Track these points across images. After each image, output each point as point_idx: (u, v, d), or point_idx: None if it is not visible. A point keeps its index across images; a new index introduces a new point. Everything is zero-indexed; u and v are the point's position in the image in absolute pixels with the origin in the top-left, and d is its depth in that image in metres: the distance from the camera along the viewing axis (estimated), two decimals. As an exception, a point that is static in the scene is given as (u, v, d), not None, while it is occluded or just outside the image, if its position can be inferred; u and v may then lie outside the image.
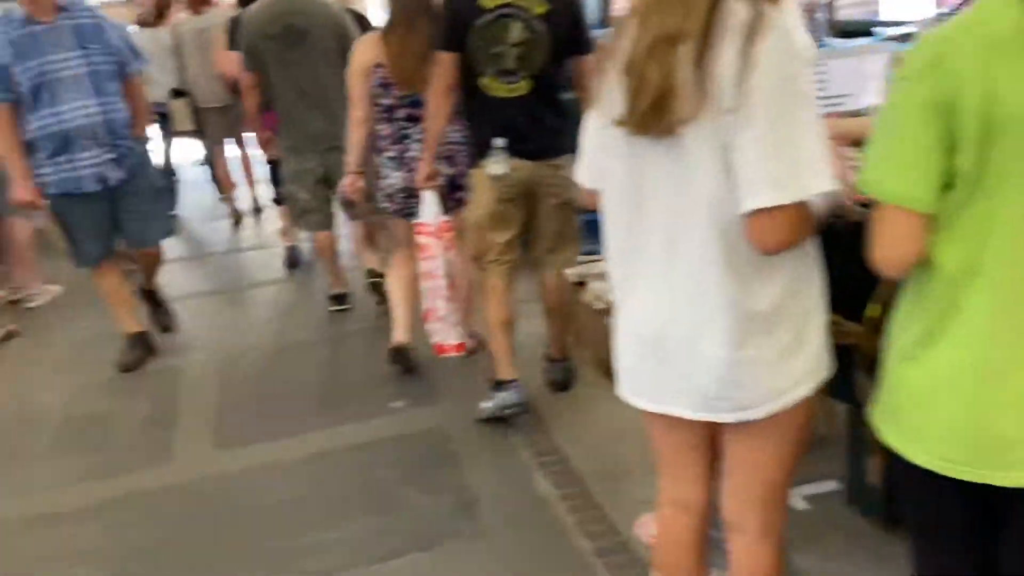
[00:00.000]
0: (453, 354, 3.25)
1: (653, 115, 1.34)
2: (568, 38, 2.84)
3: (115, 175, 3.58)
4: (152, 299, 4.29)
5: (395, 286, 3.59)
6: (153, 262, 4.10)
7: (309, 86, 3.89)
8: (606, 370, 2.21)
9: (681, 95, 1.30)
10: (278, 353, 4.05)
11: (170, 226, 4.19)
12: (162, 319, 4.32)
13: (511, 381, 3.08)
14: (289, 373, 3.81)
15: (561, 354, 3.32)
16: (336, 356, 4.01)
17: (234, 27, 4.54)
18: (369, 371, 3.64)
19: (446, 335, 3.21)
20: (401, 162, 3.28)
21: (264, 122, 4.34)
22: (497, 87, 2.83)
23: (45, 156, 3.51)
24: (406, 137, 3.25)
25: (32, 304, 4.84)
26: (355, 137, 3.33)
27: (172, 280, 4.79)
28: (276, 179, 4.82)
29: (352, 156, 3.37)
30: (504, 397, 3.06)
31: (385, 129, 3.28)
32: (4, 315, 4.62)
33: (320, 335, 4.23)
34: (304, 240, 5.19)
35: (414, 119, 3.20)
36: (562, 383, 3.31)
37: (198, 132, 5.86)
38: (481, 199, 2.95)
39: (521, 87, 2.84)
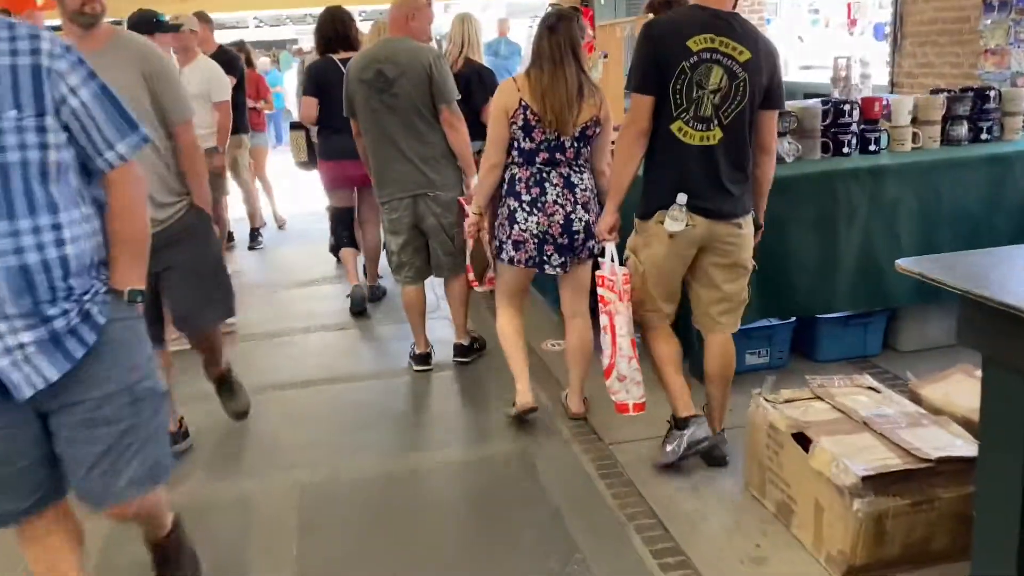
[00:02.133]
0: (635, 413, 3.08)
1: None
2: (765, 89, 2.73)
3: (48, 372, 1.79)
4: (221, 384, 3.56)
5: (510, 340, 3.49)
6: (209, 346, 3.34)
7: (397, 134, 3.81)
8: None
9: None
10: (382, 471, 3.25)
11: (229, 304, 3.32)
12: (235, 405, 3.58)
13: (693, 416, 2.97)
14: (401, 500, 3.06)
15: (719, 426, 3.10)
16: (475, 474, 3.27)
17: (309, 74, 4.92)
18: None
19: (629, 394, 3.05)
20: (537, 207, 3.21)
21: (326, 169, 4.86)
22: (690, 133, 2.71)
23: None
24: (545, 181, 3.20)
25: None
26: (488, 180, 3.28)
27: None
28: (335, 227, 5.38)
29: (479, 198, 3.35)
30: (691, 434, 2.95)
31: (521, 172, 3.22)
32: None
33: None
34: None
35: (553, 163, 3.19)
36: (720, 458, 3.06)
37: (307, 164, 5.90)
38: (652, 252, 2.85)
39: (713, 135, 2.71)
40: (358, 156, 4.18)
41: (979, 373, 2.38)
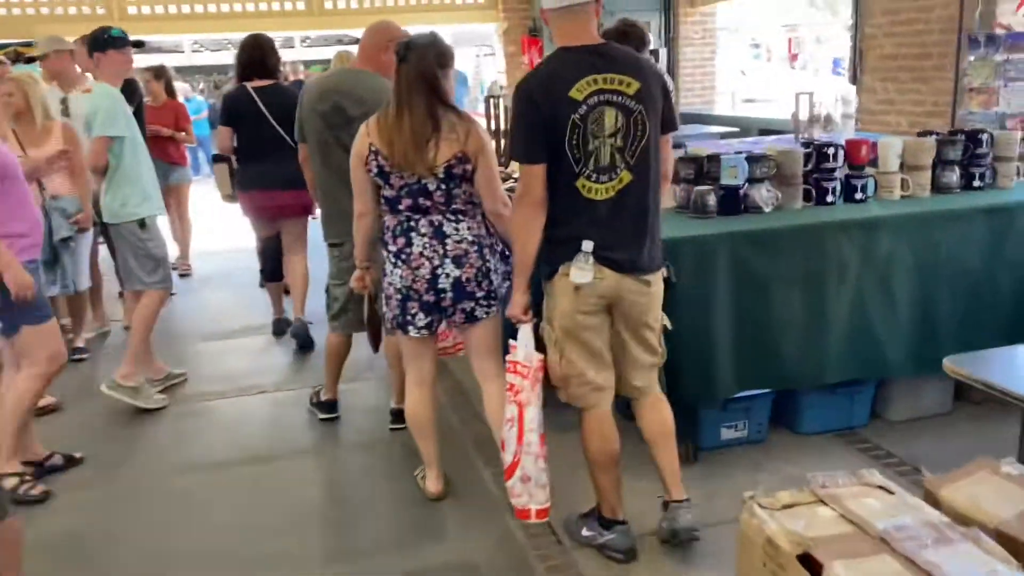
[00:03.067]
0: (537, 520, 2.71)
1: None
2: (661, 115, 2.50)
3: None
4: None
5: (416, 426, 3.08)
6: None
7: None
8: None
9: None
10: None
11: None
12: None
13: (618, 523, 2.69)
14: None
15: (680, 493, 2.69)
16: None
17: (224, 103, 4.65)
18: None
19: (532, 498, 2.67)
20: (402, 259, 2.83)
21: (245, 200, 4.58)
22: (595, 188, 2.44)
23: None
24: (412, 231, 2.81)
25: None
26: (359, 230, 2.94)
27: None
28: (262, 260, 5.23)
29: (357, 249, 3.00)
30: (614, 540, 2.68)
31: (390, 221, 2.86)
32: None
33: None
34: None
35: (420, 210, 2.79)
36: (689, 530, 2.65)
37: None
38: (563, 311, 2.53)
39: (620, 181, 2.44)
40: (278, 185, 3.80)
41: (1006, 470, 1.92)
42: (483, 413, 3.12)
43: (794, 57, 27.93)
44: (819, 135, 3.85)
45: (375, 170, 2.76)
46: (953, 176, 3.51)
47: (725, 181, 3.27)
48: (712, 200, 3.25)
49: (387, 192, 2.79)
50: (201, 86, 17.76)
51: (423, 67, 2.70)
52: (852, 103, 3.45)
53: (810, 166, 3.38)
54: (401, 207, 2.79)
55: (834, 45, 28.02)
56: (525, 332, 2.60)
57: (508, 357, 2.67)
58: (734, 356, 3.08)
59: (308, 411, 4.00)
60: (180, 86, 13.41)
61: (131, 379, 4.06)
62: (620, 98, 2.40)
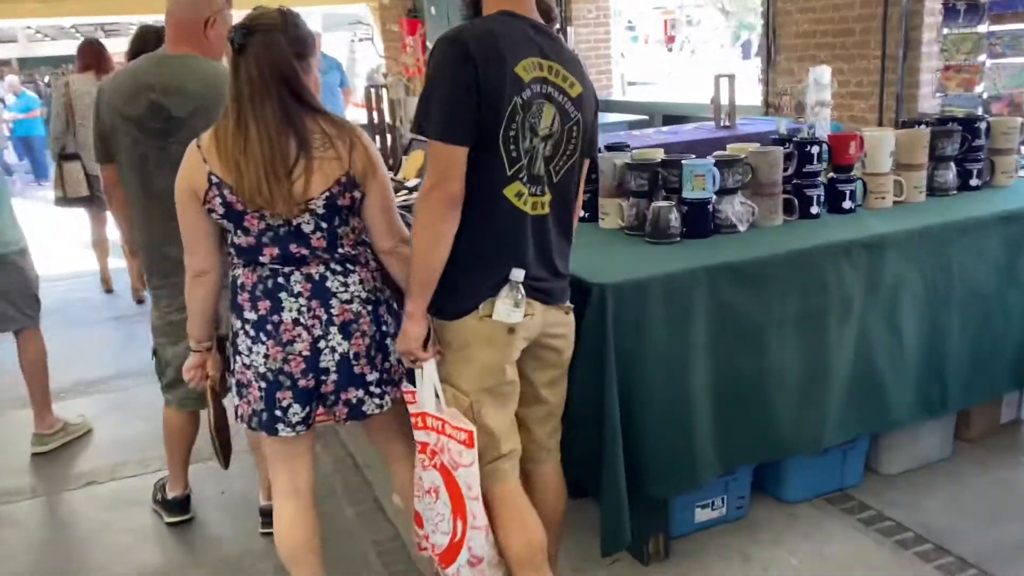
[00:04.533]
0: None
1: None
2: (591, 133, 1.96)
3: None
4: None
5: (289, 557, 2.11)
6: None
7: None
8: None
9: None
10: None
11: None
12: None
13: None
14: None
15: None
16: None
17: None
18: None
19: None
20: (265, 331, 1.91)
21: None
22: (529, 199, 1.84)
23: None
24: (281, 289, 1.90)
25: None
26: (195, 296, 1.99)
27: None
28: None
29: (193, 325, 2.04)
30: None
31: (246, 277, 1.92)
32: None
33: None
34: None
35: (291, 260, 1.89)
36: None
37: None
38: (485, 363, 1.88)
39: (545, 201, 1.88)
40: None
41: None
42: (391, 501, 2.29)
43: (671, 39, 27.87)
44: (786, 125, 3.11)
45: (221, 211, 1.84)
46: (949, 175, 2.85)
47: (690, 194, 2.49)
48: (675, 219, 2.46)
49: (240, 239, 1.88)
50: (47, 79, 15.85)
51: (273, 58, 1.79)
52: (827, 88, 2.73)
53: (790, 170, 2.64)
54: (263, 258, 1.89)
55: (707, 27, 28.14)
56: (429, 372, 1.89)
57: (411, 409, 1.95)
58: (716, 428, 2.31)
59: (152, 511, 3.00)
60: (10, 79, 11.74)
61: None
62: (562, 97, 1.84)
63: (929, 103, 5.29)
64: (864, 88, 5.56)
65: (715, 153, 2.63)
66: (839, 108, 5.76)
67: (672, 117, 7.21)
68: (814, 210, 2.66)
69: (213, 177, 1.81)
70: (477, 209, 1.79)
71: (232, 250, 1.92)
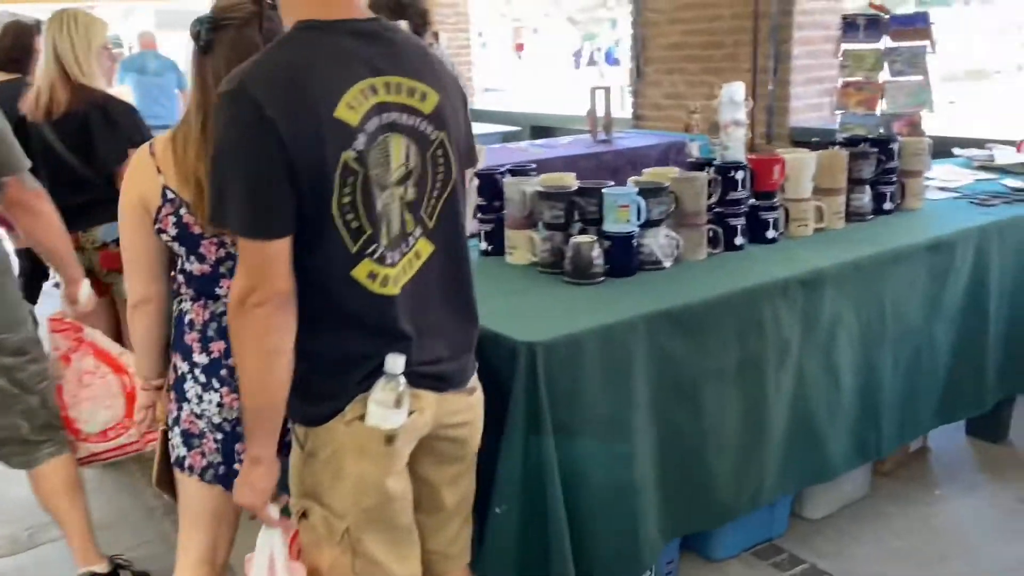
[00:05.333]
0: None
1: None
2: (464, 142, 1.51)
3: None
4: None
5: None
6: None
7: None
8: None
9: None
10: None
11: None
12: None
13: None
14: None
15: None
16: None
17: None
18: None
19: None
20: (218, 376, 1.61)
21: None
22: (387, 275, 1.37)
23: None
24: None
25: None
26: (139, 328, 1.66)
27: None
28: None
29: (140, 361, 1.72)
30: None
31: (195, 312, 1.62)
32: None
33: None
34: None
35: None
36: None
37: None
38: (360, 480, 1.42)
39: (415, 256, 1.42)
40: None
41: None
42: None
43: (520, 47, 27.93)
44: (697, 146, 2.86)
45: (173, 232, 1.55)
46: (865, 198, 2.69)
47: (613, 226, 2.16)
48: (598, 255, 2.13)
49: (193, 267, 1.59)
50: None
51: (245, 52, 1.42)
52: (741, 106, 2.49)
53: (714, 197, 2.37)
54: (219, 291, 1.58)
55: (553, 37, 28.45)
56: (269, 539, 1.49)
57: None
58: (660, 500, 1.99)
59: None
60: None
61: None
62: (413, 119, 1.38)
63: (800, 117, 5.30)
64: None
65: (635, 179, 2.33)
66: (710, 123, 5.69)
67: (540, 129, 6.97)
68: (738, 241, 2.41)
69: (168, 192, 1.53)
70: (320, 298, 1.35)
71: (181, 278, 1.61)
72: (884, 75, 3.22)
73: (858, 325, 2.33)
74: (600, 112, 5.06)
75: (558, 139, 5.40)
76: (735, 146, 2.50)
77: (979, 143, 3.46)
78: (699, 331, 2.00)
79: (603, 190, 2.18)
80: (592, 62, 23.83)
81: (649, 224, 2.20)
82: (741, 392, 2.10)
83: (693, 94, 5.75)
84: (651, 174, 2.40)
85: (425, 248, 1.42)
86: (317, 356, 1.37)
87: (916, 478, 2.95)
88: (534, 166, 2.57)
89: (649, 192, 2.19)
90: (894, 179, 2.75)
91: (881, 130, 3.17)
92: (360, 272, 1.34)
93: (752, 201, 2.46)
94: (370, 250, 1.34)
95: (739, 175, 2.37)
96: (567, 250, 2.16)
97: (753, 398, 2.13)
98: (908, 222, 2.69)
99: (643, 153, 4.78)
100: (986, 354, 2.67)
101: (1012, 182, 2.98)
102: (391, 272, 1.36)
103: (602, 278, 2.14)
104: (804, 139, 2.95)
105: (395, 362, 1.36)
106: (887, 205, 2.75)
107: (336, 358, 1.38)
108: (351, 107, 1.29)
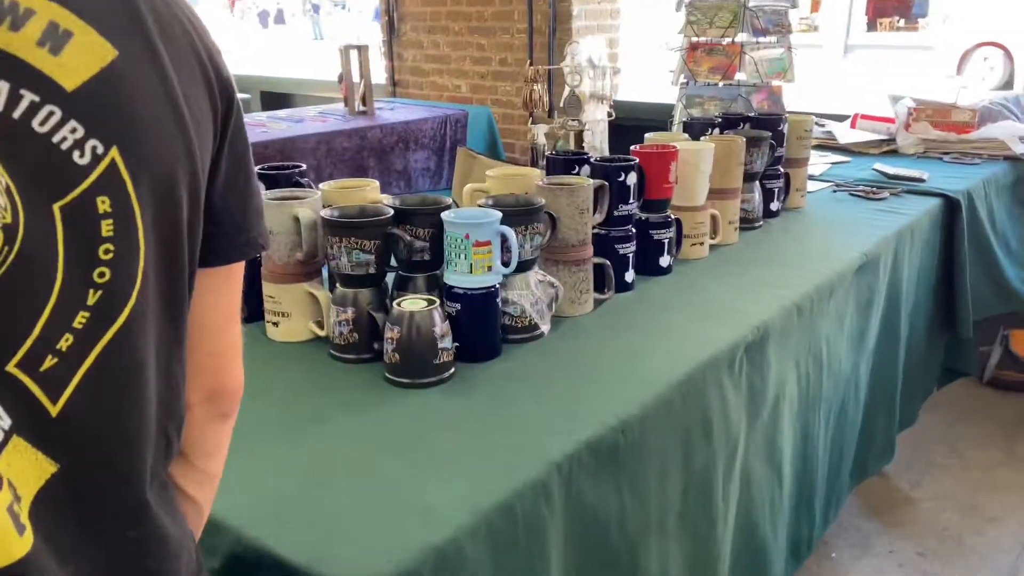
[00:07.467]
0: None
1: None
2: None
3: None
4: None
5: None
6: None
7: None
8: None
9: None
10: None
11: None
12: None
13: None
14: None
15: None
16: None
17: None
18: None
19: None
20: None
21: None
22: None
23: None
24: None
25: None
26: None
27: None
28: None
29: None
30: None
31: None
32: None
33: None
34: None
35: None
36: None
37: None
38: None
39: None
40: None
41: None
42: None
43: (232, 3, 25.23)
44: (542, 132, 1.99)
45: None
46: (756, 198, 2.00)
47: (464, 279, 1.25)
48: (442, 331, 1.21)
49: None
50: None
51: None
52: (606, 72, 1.68)
53: (600, 215, 1.53)
54: None
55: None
56: None
57: None
58: None
59: None
60: None
61: None
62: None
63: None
64: (509, 67, 4.73)
65: (492, 195, 1.43)
66: (480, 92, 4.89)
67: (273, 96, 5.78)
68: (628, 277, 1.60)
69: None
70: None
71: None
72: (743, 36, 2.56)
73: (797, 389, 1.63)
74: (356, 77, 4.05)
75: (303, 110, 4.31)
76: (598, 133, 1.67)
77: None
78: (635, 458, 1.16)
79: (444, 215, 1.26)
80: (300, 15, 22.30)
81: (519, 268, 1.32)
82: (689, 533, 1.30)
83: (458, 57, 4.91)
84: (496, 175, 1.51)
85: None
86: None
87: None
88: (302, 167, 1.57)
89: (517, 215, 1.30)
90: (780, 171, 2.09)
91: (743, 106, 2.52)
92: None
93: (641, 216, 1.65)
94: None
95: (630, 179, 1.54)
96: (389, 323, 1.21)
97: (702, 536, 1.34)
98: (807, 229, 2.05)
99: (416, 128, 3.88)
100: (896, 386, 2.12)
101: (884, 167, 2.47)
102: None
103: (451, 370, 1.23)
104: (628, 121, 2.24)
105: None
106: (774, 205, 2.09)
107: None
108: None
